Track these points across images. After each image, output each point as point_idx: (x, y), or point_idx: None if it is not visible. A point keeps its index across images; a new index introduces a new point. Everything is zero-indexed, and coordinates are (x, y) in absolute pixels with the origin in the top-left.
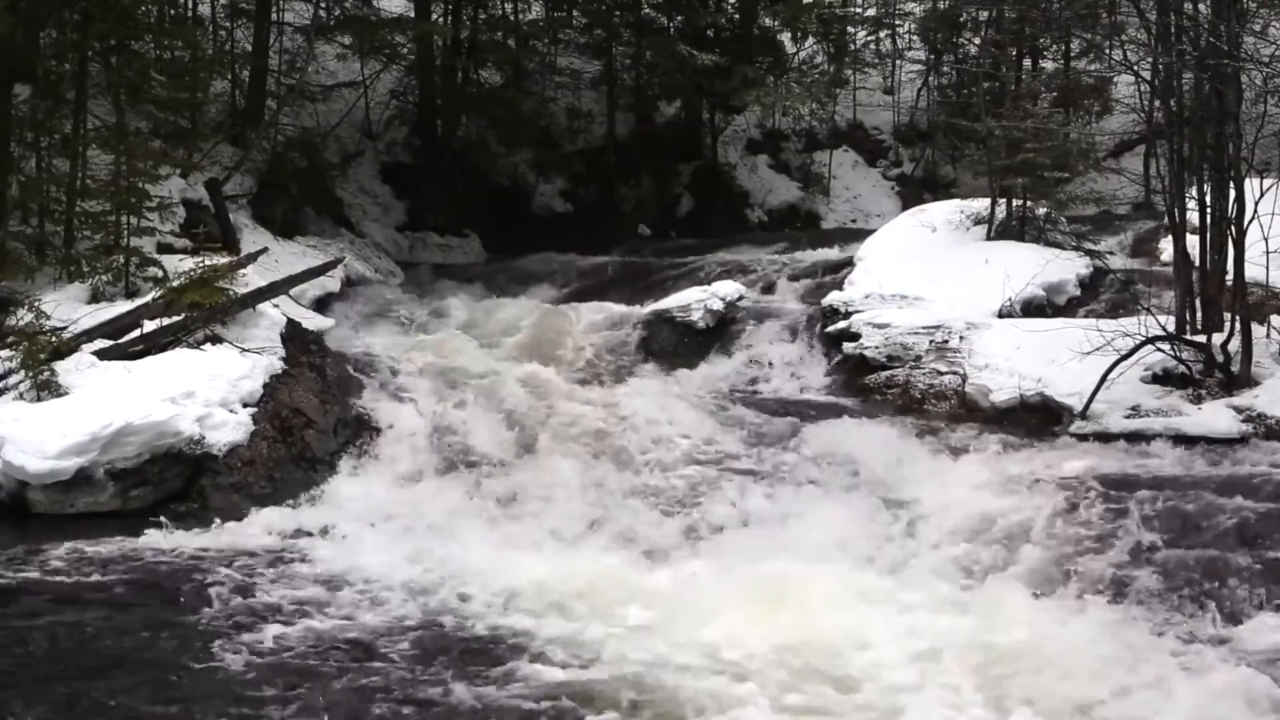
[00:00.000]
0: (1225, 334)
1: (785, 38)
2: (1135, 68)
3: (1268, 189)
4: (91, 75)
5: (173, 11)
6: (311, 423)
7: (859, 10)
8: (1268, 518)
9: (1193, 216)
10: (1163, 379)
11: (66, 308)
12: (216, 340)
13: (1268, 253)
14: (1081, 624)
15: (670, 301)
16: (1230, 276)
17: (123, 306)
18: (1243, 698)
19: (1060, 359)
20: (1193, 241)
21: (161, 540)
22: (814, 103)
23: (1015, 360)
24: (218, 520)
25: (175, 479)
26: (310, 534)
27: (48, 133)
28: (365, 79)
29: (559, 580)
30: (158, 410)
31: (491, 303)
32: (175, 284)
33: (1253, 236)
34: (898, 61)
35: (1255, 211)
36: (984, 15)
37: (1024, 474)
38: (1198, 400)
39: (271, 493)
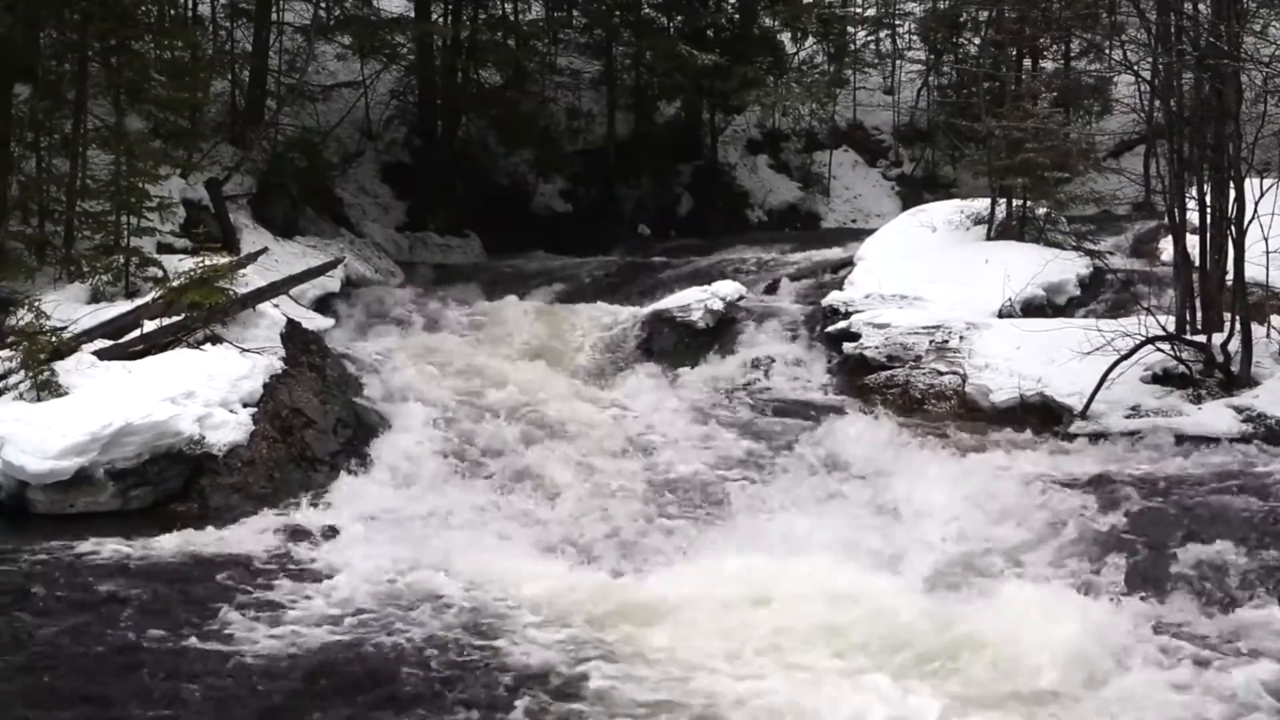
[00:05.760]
0: (1225, 334)
1: (785, 38)
2: (1135, 68)
3: (1268, 189)
4: (91, 75)
5: (173, 11)
6: (311, 423)
7: (859, 10)
8: (1267, 517)
9: (1193, 216)
10: (1163, 379)
11: (66, 308)
12: (216, 340)
13: (1268, 253)
14: (1079, 623)
15: (670, 301)
16: (1230, 276)
17: (123, 306)
18: (1241, 697)
19: (1060, 359)
20: (1193, 241)
21: (161, 540)
22: (814, 103)
23: (1015, 360)
24: (217, 520)
25: (175, 479)
26: (310, 534)
27: (48, 133)
28: (365, 79)
29: (558, 578)
30: (158, 410)
31: (491, 303)
32: (175, 284)
33: (1253, 236)
34: (898, 61)
35: (1255, 211)
36: (984, 15)
37: (1024, 474)
38: (1198, 400)
39: (271, 493)
